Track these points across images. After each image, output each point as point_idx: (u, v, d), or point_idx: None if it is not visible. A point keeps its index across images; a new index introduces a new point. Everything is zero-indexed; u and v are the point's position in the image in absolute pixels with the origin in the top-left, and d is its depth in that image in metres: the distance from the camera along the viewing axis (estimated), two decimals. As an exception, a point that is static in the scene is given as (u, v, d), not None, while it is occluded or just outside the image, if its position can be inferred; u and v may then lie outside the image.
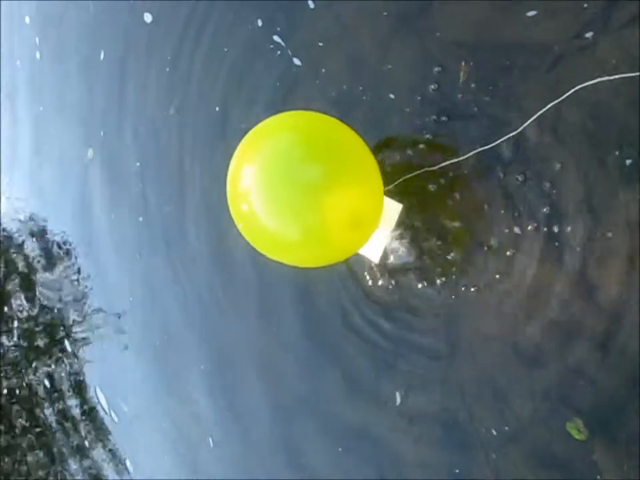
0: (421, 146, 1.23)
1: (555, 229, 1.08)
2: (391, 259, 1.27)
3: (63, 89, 2.22)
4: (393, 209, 1.21)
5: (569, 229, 1.06)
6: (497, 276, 1.13)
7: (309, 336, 1.42)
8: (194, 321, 1.71)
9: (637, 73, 0.96)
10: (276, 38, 1.58)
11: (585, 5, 1.06)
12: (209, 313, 1.67)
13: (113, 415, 1.98)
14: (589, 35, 1.04)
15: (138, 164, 1.89)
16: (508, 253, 1.12)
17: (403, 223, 1.26)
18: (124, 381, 1.95)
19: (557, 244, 1.07)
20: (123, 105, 1.97)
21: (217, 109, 1.70)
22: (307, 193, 0.89)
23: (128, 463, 1.93)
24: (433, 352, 1.18)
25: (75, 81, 2.17)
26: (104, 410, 2.00)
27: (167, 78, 1.86)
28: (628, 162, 1.02)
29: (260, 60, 1.62)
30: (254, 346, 1.55)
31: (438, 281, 1.20)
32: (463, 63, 1.16)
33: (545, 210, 1.09)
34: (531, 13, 1.10)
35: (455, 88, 1.17)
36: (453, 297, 1.18)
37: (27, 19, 2.36)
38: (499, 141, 1.08)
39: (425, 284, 1.22)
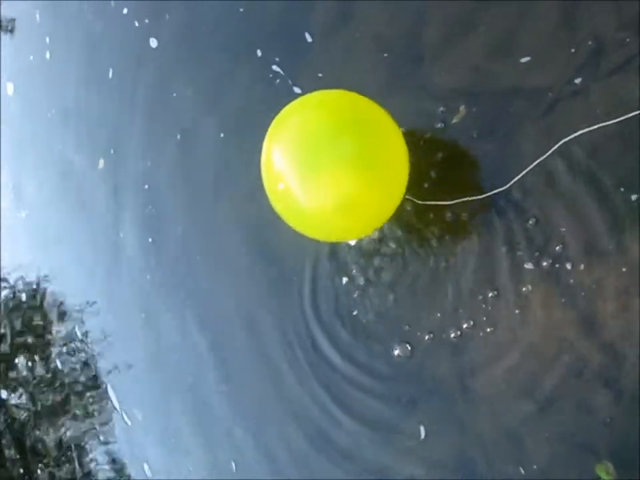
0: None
1: (564, 268, 1.10)
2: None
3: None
4: None
5: (581, 266, 1.08)
6: (506, 317, 1.16)
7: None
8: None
9: (613, 121, 0.97)
10: (275, 67, 1.60)
11: (573, 50, 1.07)
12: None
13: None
14: (577, 80, 1.06)
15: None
16: (515, 294, 1.15)
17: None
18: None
19: (565, 283, 1.10)
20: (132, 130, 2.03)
21: (222, 135, 1.74)
22: (339, 167, 0.97)
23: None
24: (446, 395, 1.21)
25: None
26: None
27: (173, 102, 1.91)
28: (634, 197, 1.04)
29: (260, 87, 1.66)
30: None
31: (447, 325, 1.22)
32: (462, 107, 1.17)
33: (557, 249, 1.11)
34: (525, 59, 1.11)
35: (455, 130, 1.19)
36: (462, 338, 1.21)
37: (37, 16, 2.39)
38: (489, 193, 1.11)
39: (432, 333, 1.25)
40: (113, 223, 2.02)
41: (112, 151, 2.11)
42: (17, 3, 2.48)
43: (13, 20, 2.52)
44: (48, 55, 2.35)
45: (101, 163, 2.15)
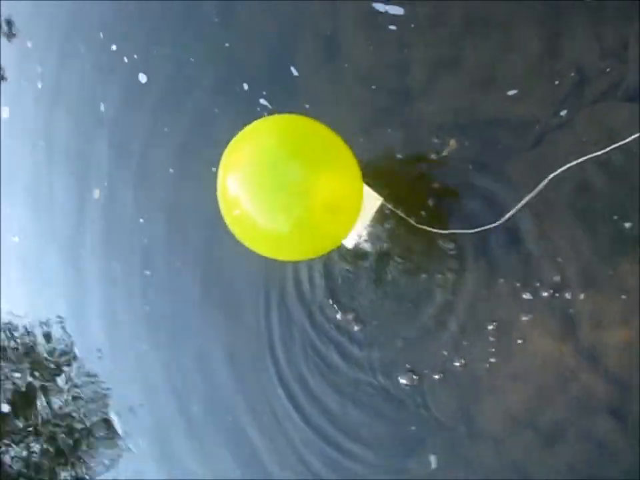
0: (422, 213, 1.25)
1: (564, 298, 1.11)
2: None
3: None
4: (372, 201, 1.25)
5: (581, 296, 1.09)
6: (508, 348, 1.16)
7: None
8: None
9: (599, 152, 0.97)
10: (262, 101, 1.61)
11: (557, 82, 1.07)
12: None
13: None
14: (563, 112, 1.06)
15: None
16: (515, 325, 1.15)
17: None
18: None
19: (565, 313, 1.11)
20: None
21: (213, 169, 1.74)
22: (291, 189, 0.97)
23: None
24: (451, 429, 1.20)
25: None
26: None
27: (163, 137, 1.92)
28: (627, 225, 1.04)
29: (248, 120, 1.67)
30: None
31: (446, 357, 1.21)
32: (452, 140, 1.18)
33: (555, 279, 1.12)
34: (512, 92, 1.12)
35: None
36: (465, 371, 1.20)
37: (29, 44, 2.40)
38: (480, 229, 1.11)
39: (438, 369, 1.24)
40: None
41: (105, 184, 2.12)
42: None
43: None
44: (40, 85, 2.37)
45: (97, 192, 2.15)
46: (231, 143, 1.11)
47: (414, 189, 1.23)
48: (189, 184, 1.85)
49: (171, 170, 1.88)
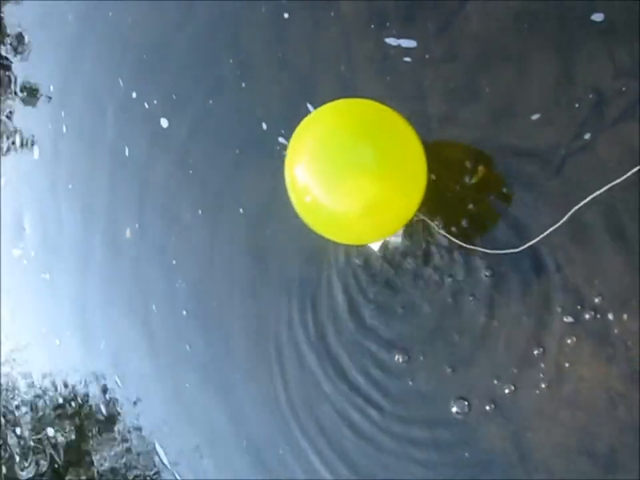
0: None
1: (606, 319, 1.11)
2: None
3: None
4: None
5: (624, 316, 1.09)
6: (555, 373, 1.16)
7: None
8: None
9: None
10: (281, 139, 1.67)
11: (577, 105, 1.09)
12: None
13: None
14: (586, 135, 1.08)
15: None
16: (560, 349, 1.16)
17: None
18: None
19: (609, 334, 1.11)
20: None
21: (241, 210, 1.79)
22: (360, 171, 1.01)
23: None
24: (503, 459, 1.20)
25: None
26: None
27: (188, 179, 1.98)
28: None
29: (269, 160, 1.72)
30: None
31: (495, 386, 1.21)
32: (480, 167, 1.21)
33: (596, 300, 1.12)
34: (535, 117, 1.14)
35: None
36: (513, 397, 1.20)
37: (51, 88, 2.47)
38: (499, 252, 1.12)
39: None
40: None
41: (136, 226, 2.18)
42: (34, 66, 2.57)
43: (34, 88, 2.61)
44: (64, 129, 2.46)
45: (128, 232, 2.21)
46: (296, 131, 1.13)
47: (448, 209, 1.25)
48: (217, 224, 1.90)
49: (199, 211, 1.94)
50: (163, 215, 2.08)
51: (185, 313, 1.97)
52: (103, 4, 2.18)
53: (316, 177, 1.03)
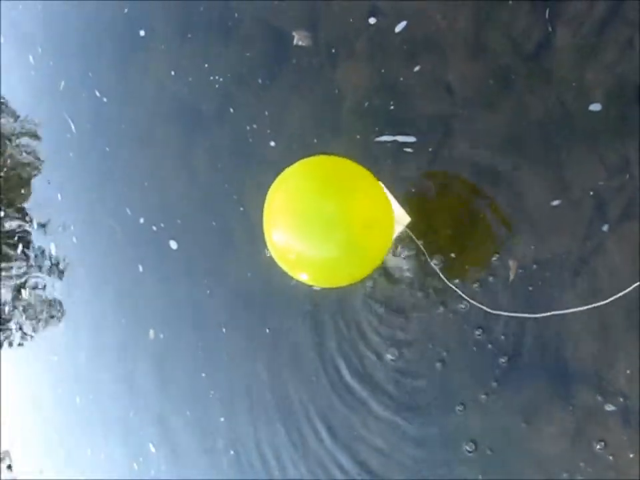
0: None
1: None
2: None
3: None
4: (401, 219, 1.33)
5: None
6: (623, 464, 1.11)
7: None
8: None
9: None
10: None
11: (576, 213, 1.09)
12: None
13: None
14: (594, 238, 1.07)
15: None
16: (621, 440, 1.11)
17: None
18: None
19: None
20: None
21: (268, 330, 1.78)
22: (330, 219, 1.11)
23: None
24: None
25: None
26: None
27: (206, 298, 1.99)
28: None
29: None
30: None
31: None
32: (511, 262, 1.20)
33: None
34: (555, 202, 1.16)
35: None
36: None
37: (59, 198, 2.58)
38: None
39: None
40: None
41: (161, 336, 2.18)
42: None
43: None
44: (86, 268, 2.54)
45: (151, 333, 2.22)
46: (268, 194, 1.21)
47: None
48: (236, 332, 1.90)
49: (223, 329, 1.94)
50: (186, 325, 2.08)
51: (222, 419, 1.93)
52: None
53: (292, 235, 1.14)
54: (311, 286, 1.32)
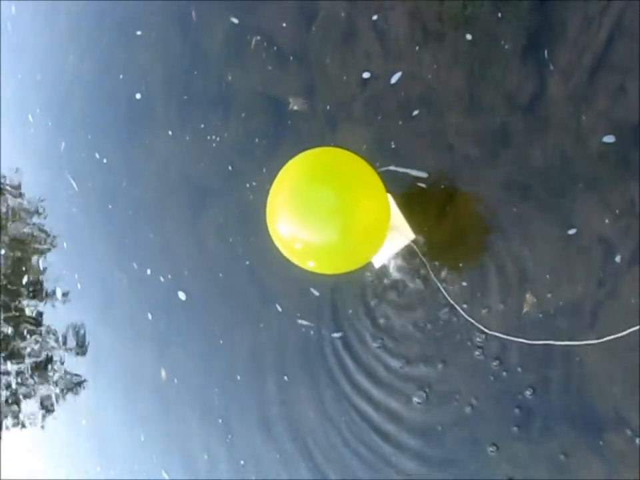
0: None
1: None
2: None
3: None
4: (405, 234, 1.36)
5: None
6: None
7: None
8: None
9: None
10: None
11: (586, 256, 1.08)
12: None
13: None
14: (606, 284, 1.06)
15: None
16: None
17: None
18: None
19: None
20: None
21: (285, 378, 1.77)
22: (330, 207, 1.15)
23: None
24: None
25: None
26: None
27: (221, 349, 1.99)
28: None
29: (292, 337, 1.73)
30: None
31: None
32: (527, 294, 1.20)
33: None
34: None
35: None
36: None
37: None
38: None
39: None
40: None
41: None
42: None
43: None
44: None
45: (163, 374, 2.21)
46: (272, 187, 1.23)
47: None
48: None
49: (238, 377, 1.93)
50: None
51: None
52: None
53: (296, 224, 1.18)
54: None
